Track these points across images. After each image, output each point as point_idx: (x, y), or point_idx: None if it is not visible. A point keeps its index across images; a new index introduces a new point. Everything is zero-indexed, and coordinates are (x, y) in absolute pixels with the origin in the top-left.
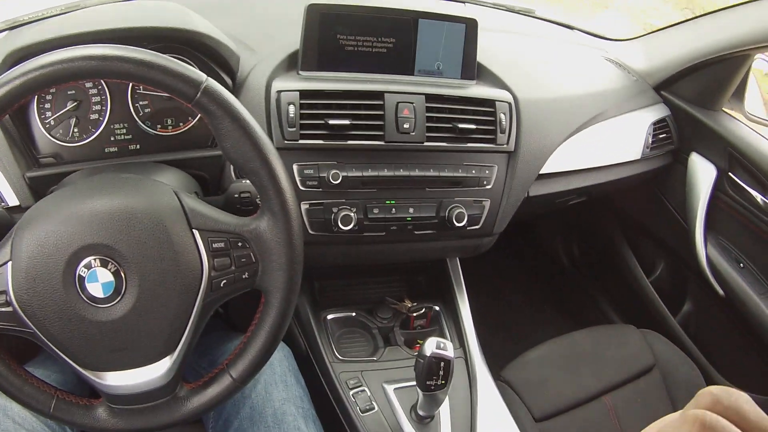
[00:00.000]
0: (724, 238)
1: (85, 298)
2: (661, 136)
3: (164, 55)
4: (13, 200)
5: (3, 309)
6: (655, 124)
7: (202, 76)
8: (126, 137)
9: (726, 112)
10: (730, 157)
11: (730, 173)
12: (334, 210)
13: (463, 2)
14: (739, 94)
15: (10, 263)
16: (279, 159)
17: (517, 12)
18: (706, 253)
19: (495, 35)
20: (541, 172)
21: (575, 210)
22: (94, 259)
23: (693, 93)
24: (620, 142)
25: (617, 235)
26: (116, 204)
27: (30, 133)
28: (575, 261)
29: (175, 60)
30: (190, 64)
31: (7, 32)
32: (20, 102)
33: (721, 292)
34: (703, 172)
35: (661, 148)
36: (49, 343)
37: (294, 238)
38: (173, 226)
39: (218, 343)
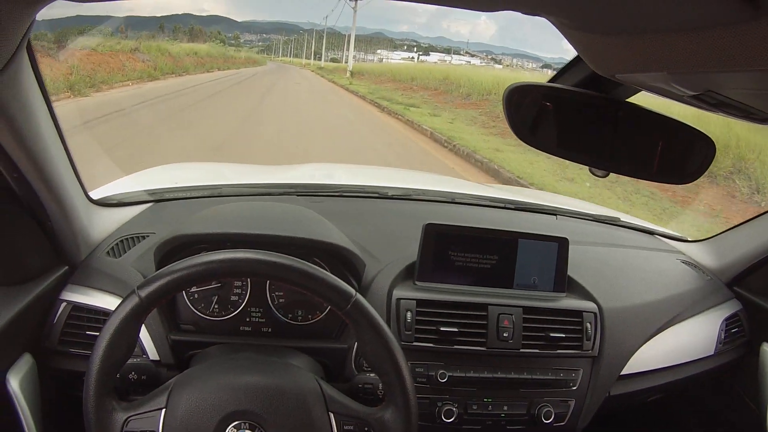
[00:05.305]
0: None
1: None
2: (733, 330)
3: (322, 270)
4: (154, 355)
5: None
6: (727, 320)
7: (351, 291)
8: (260, 320)
9: None
10: None
11: None
12: (438, 404)
13: (555, 215)
14: None
15: (164, 410)
16: (407, 366)
17: (603, 222)
18: None
19: (582, 248)
20: (621, 374)
21: (654, 404)
22: (244, 423)
23: (763, 285)
24: (695, 340)
25: (694, 427)
26: (268, 381)
27: (175, 302)
28: None
29: (331, 275)
30: (325, 268)
31: (153, 204)
32: (196, 284)
33: None
34: None
35: (733, 342)
36: None
37: (411, 429)
38: (314, 407)
39: None
